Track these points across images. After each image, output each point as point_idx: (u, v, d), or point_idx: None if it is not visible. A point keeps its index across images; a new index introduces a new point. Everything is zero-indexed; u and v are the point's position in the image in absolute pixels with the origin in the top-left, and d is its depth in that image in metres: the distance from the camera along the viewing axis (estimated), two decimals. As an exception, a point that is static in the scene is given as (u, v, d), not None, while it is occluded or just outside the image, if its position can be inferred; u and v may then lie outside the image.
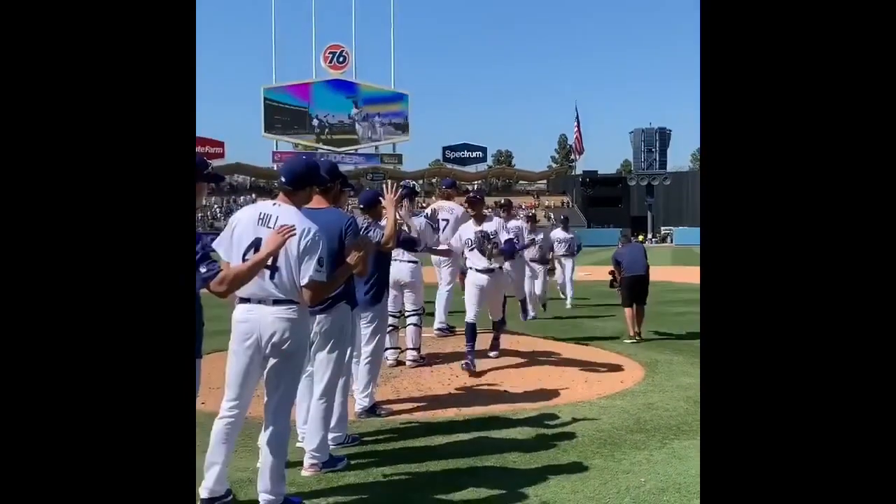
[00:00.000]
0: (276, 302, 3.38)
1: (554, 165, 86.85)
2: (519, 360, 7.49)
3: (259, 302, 3.39)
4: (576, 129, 64.06)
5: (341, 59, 57.23)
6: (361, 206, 5.12)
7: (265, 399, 3.51)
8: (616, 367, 7.21)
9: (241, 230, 3.45)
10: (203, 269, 2.92)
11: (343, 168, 5.93)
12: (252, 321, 3.41)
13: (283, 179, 3.59)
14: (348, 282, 4.14)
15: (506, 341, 7.97)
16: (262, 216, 3.44)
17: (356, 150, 57.92)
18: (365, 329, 5.21)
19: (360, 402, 5.24)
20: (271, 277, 3.36)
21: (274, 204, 3.53)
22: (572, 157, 75.59)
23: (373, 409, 5.27)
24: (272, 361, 3.43)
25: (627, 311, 9.01)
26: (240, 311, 3.47)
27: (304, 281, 3.35)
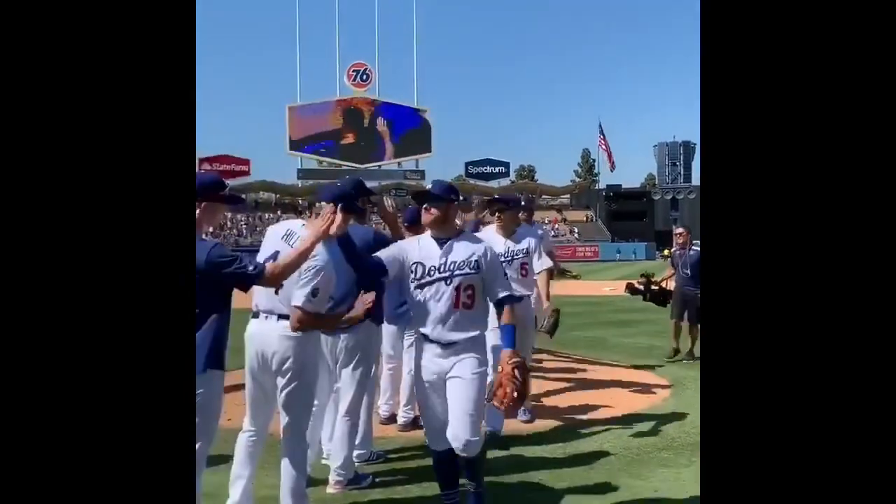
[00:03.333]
0: (282, 317, 3.41)
1: (577, 180, 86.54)
2: (545, 377, 7.43)
3: (267, 316, 3.45)
4: (601, 141, 63.48)
5: (364, 76, 57.63)
6: (406, 224, 5.07)
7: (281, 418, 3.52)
8: (643, 384, 7.12)
9: (266, 242, 3.60)
10: (251, 268, 2.99)
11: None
12: (257, 336, 3.47)
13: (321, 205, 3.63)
14: (376, 300, 4.13)
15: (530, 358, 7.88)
16: (287, 233, 3.56)
17: (379, 166, 58.17)
18: (407, 342, 5.29)
19: (403, 415, 5.35)
20: (276, 292, 3.40)
21: (303, 225, 3.57)
22: (596, 171, 75.20)
23: (416, 421, 5.29)
24: (281, 382, 3.45)
25: (676, 325, 8.58)
26: (250, 326, 3.55)
27: (295, 303, 3.37)
